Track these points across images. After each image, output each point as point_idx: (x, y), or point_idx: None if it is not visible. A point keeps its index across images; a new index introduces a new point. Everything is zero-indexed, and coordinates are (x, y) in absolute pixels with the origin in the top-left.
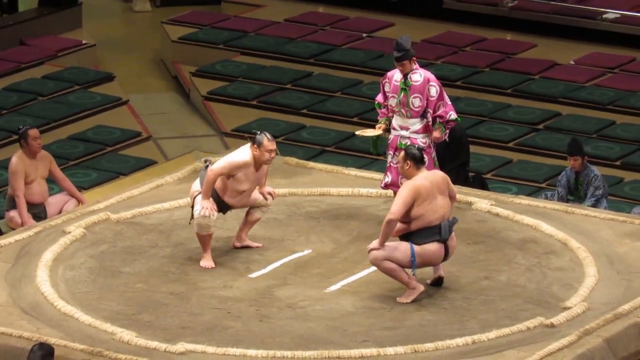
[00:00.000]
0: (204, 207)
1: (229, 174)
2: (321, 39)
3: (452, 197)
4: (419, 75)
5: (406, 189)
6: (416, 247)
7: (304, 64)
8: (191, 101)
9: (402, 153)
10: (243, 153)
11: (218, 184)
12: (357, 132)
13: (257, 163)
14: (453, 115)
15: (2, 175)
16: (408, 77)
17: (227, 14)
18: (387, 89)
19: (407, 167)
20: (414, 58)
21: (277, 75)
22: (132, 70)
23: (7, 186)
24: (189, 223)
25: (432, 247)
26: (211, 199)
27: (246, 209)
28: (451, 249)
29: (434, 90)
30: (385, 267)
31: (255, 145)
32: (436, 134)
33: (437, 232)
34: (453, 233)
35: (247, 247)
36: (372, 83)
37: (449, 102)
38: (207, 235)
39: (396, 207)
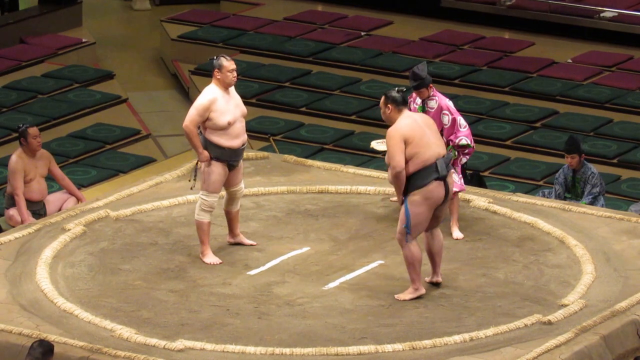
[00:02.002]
0: (203, 160)
1: (204, 117)
2: (320, 37)
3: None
4: (434, 102)
5: (392, 136)
6: (411, 207)
7: (303, 62)
8: (190, 99)
9: (382, 98)
10: (204, 92)
11: (209, 135)
12: (374, 144)
13: (224, 87)
14: (464, 140)
15: (1, 173)
16: (425, 102)
17: (226, 13)
18: (411, 107)
19: (388, 112)
20: (431, 85)
21: (276, 74)
22: (132, 69)
23: (6, 184)
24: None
25: (431, 187)
26: (205, 151)
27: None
28: (451, 186)
29: (447, 118)
30: (405, 253)
31: (216, 70)
32: None
33: (434, 169)
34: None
35: (240, 243)
36: (371, 81)
37: (462, 129)
38: (206, 224)
39: (395, 158)
